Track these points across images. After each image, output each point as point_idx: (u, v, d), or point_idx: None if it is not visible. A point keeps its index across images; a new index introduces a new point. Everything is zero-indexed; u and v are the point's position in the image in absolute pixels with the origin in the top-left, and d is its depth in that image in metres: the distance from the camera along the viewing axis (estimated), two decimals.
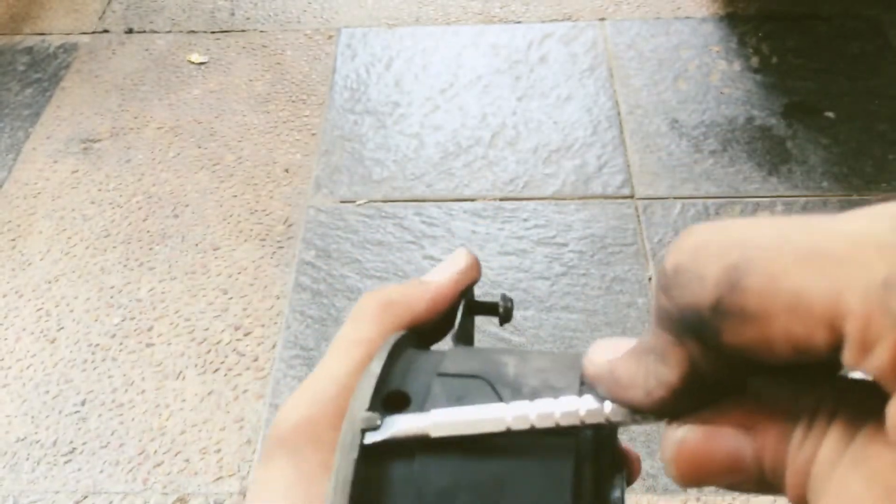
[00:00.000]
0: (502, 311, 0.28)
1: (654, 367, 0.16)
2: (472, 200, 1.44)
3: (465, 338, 0.26)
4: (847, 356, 0.13)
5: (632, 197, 1.43)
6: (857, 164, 1.46)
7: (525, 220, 1.40)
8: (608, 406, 0.18)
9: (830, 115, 1.55)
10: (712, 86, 1.62)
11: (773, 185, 1.43)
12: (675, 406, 0.16)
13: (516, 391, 0.20)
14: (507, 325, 1.25)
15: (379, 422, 0.19)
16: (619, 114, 1.57)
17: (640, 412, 0.17)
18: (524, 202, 1.43)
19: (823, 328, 0.13)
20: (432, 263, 1.34)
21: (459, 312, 0.26)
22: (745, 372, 0.16)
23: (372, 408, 0.19)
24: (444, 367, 0.21)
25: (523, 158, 1.50)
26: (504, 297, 0.28)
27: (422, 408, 0.20)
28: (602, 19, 1.78)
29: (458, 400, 0.20)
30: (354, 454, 0.18)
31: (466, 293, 0.27)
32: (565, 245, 1.36)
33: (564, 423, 0.18)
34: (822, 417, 0.15)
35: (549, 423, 0.18)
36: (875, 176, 1.44)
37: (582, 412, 0.18)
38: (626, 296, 1.28)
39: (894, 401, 0.12)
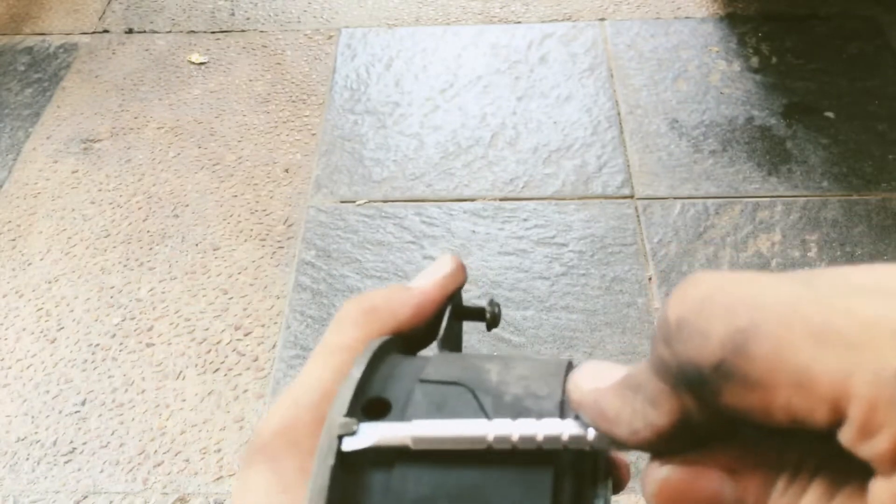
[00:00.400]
0: (489, 317, 0.27)
1: (643, 409, 0.16)
2: (472, 200, 1.44)
3: (452, 343, 0.26)
4: (845, 436, 0.13)
5: (632, 197, 1.43)
6: (857, 164, 1.46)
7: (525, 220, 1.40)
8: (591, 433, 0.18)
9: (830, 115, 1.55)
10: (712, 86, 1.62)
11: (772, 185, 1.43)
12: (659, 447, 0.16)
13: (498, 398, 0.19)
14: (506, 325, 1.25)
15: (356, 427, 0.18)
16: (618, 114, 1.57)
17: (624, 446, 0.17)
18: (524, 202, 1.43)
19: (826, 407, 0.13)
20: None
21: (445, 317, 0.26)
22: (737, 425, 0.16)
23: (350, 414, 0.19)
24: (427, 374, 0.21)
25: (523, 158, 1.50)
26: (491, 303, 0.28)
27: (402, 414, 0.19)
28: (602, 19, 1.78)
29: (439, 407, 0.19)
30: (331, 461, 0.18)
31: (453, 298, 0.27)
32: (565, 245, 1.36)
33: (547, 446, 0.18)
34: (806, 472, 0.15)
35: (530, 446, 0.18)
36: (875, 176, 1.44)
37: (565, 437, 0.18)
38: (626, 296, 1.28)
39: (879, 479, 0.13)
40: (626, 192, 1.43)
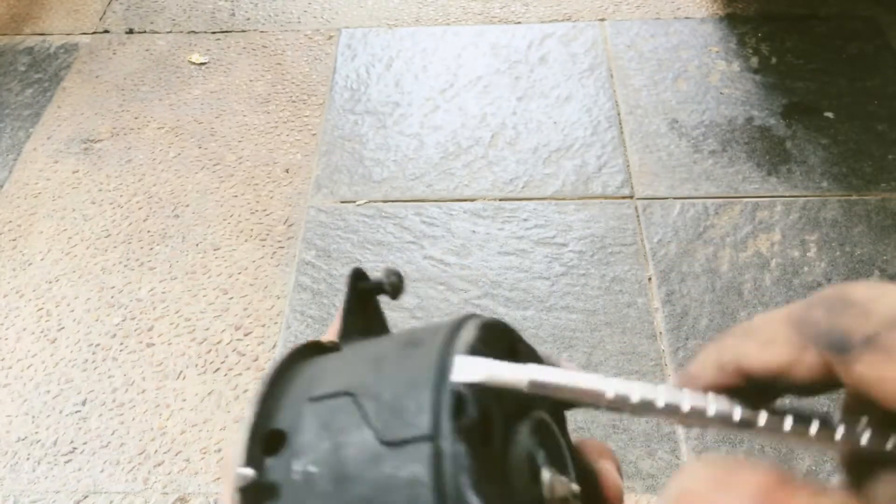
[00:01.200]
0: (388, 287, 0.26)
1: (763, 346, 0.18)
2: (472, 200, 1.44)
3: (364, 329, 0.25)
4: None
5: (631, 197, 1.43)
6: (857, 164, 1.46)
7: (525, 220, 1.40)
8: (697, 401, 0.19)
9: (830, 115, 1.55)
10: (712, 86, 1.62)
11: (772, 185, 1.43)
12: (757, 381, 0.18)
13: (378, 400, 0.19)
14: None
15: (254, 475, 0.18)
16: (618, 114, 1.57)
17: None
18: (524, 202, 1.43)
19: None
20: (432, 263, 1.34)
21: (343, 304, 0.25)
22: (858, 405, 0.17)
23: (249, 457, 0.19)
24: (315, 388, 0.20)
25: (523, 158, 1.50)
26: (388, 272, 0.26)
27: (294, 443, 0.19)
28: (602, 19, 1.78)
29: (324, 427, 0.19)
30: None
31: (356, 280, 0.25)
32: (565, 245, 1.36)
33: (667, 412, 0.18)
34: None
35: (649, 411, 0.18)
36: (874, 176, 1.44)
37: (685, 407, 0.19)
38: (626, 296, 1.28)
39: None
40: (626, 192, 1.43)
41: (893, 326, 0.15)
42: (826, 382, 0.17)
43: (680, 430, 1.12)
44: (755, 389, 0.18)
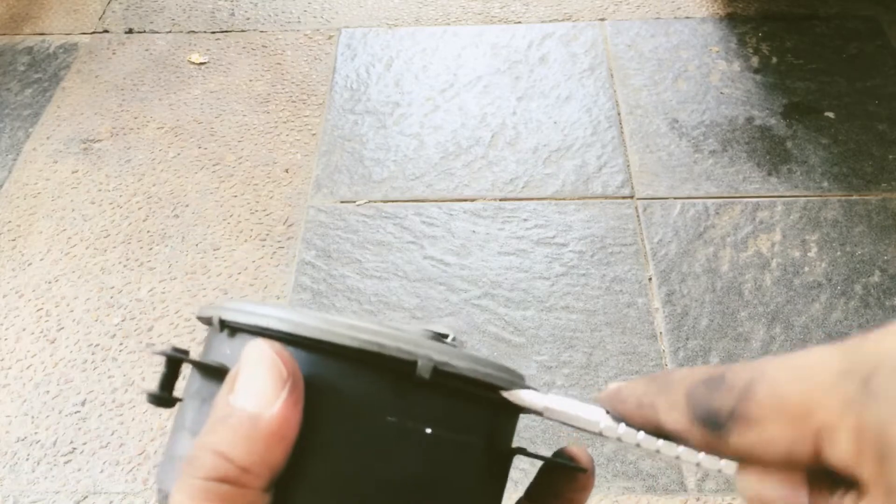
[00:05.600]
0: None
1: (663, 411, 0.20)
2: (472, 200, 1.44)
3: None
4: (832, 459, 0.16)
5: (632, 197, 1.43)
6: (857, 164, 1.46)
7: (525, 220, 1.40)
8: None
9: (830, 115, 1.55)
10: (712, 86, 1.62)
11: (772, 185, 1.43)
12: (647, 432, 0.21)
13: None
14: (506, 325, 1.25)
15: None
16: (618, 114, 1.57)
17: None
18: (524, 202, 1.43)
19: (810, 437, 0.16)
20: (432, 264, 1.34)
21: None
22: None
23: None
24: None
25: (523, 158, 1.50)
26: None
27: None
28: (602, 19, 1.78)
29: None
30: None
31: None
32: (565, 245, 1.36)
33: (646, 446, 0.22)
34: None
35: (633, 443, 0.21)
36: (875, 176, 1.44)
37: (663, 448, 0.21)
38: (626, 296, 1.28)
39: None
40: (626, 192, 1.43)
41: (748, 397, 0.16)
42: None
43: None
44: None
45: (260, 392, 0.19)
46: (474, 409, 0.22)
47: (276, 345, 0.20)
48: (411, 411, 0.21)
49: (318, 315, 0.21)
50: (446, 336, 0.28)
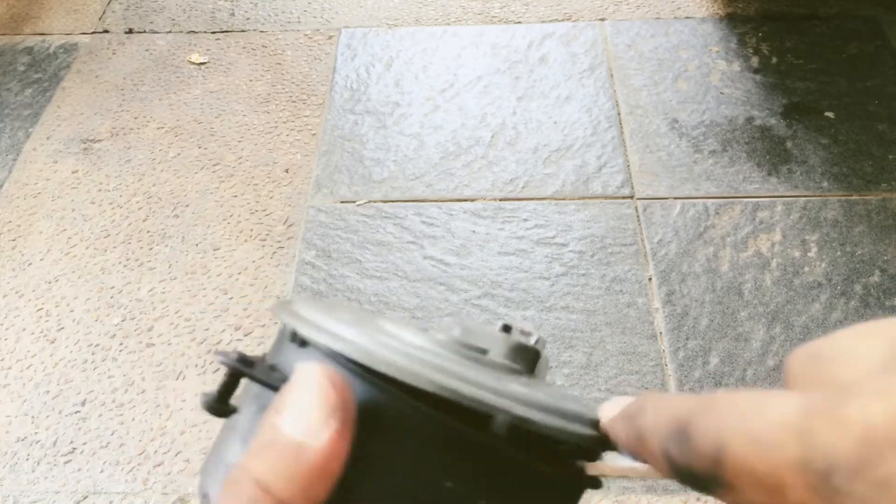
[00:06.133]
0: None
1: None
2: (472, 200, 1.44)
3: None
4: None
5: (632, 197, 1.43)
6: (857, 164, 1.46)
7: (525, 220, 1.40)
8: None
9: (830, 115, 1.55)
10: (712, 86, 1.62)
11: (772, 185, 1.43)
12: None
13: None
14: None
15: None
16: (618, 114, 1.57)
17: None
18: (524, 202, 1.43)
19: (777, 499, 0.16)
20: (432, 264, 1.34)
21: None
22: None
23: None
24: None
25: (523, 158, 1.50)
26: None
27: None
28: (602, 19, 1.78)
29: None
30: None
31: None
32: (565, 245, 1.36)
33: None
34: None
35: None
36: (875, 176, 1.44)
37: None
38: (626, 296, 1.28)
39: None
40: (626, 192, 1.43)
41: (721, 464, 0.17)
42: None
43: None
44: None
45: (306, 419, 0.18)
46: (552, 483, 0.19)
47: (331, 370, 0.19)
48: (475, 479, 0.18)
49: (400, 341, 0.19)
50: (529, 334, 0.25)
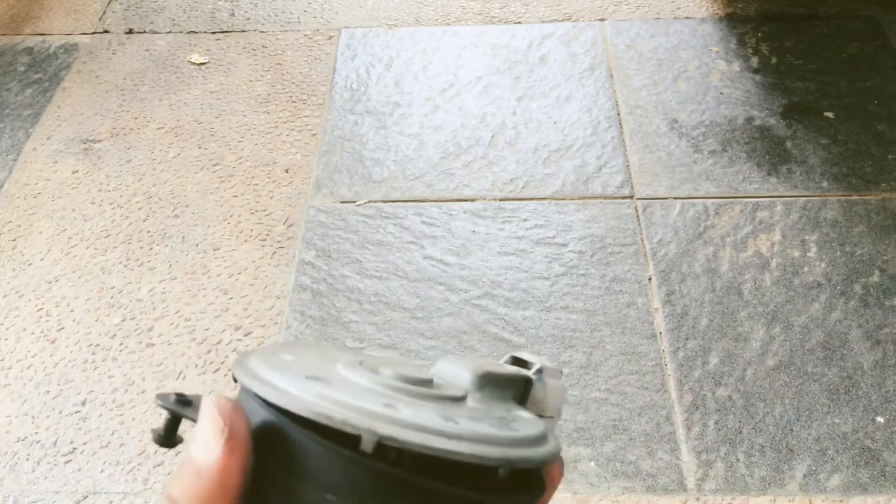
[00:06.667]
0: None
1: None
2: (472, 200, 1.44)
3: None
4: None
5: (631, 197, 1.43)
6: (857, 164, 1.46)
7: (525, 220, 1.40)
8: None
9: (830, 115, 1.55)
10: (712, 86, 1.62)
11: (772, 185, 1.43)
12: None
13: None
14: (506, 325, 1.25)
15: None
16: (618, 114, 1.57)
17: None
18: (524, 202, 1.43)
19: None
20: (432, 264, 1.34)
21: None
22: None
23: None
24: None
25: (523, 158, 1.50)
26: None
27: None
28: (602, 19, 1.78)
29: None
30: None
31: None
32: (565, 245, 1.36)
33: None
34: None
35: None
36: (874, 176, 1.44)
37: None
38: (626, 296, 1.28)
39: None
40: (626, 192, 1.43)
41: None
42: None
43: (680, 431, 1.12)
44: None
45: (202, 442, 0.20)
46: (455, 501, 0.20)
47: (223, 399, 0.21)
48: (352, 494, 0.20)
49: (305, 380, 0.21)
50: (528, 365, 0.27)
